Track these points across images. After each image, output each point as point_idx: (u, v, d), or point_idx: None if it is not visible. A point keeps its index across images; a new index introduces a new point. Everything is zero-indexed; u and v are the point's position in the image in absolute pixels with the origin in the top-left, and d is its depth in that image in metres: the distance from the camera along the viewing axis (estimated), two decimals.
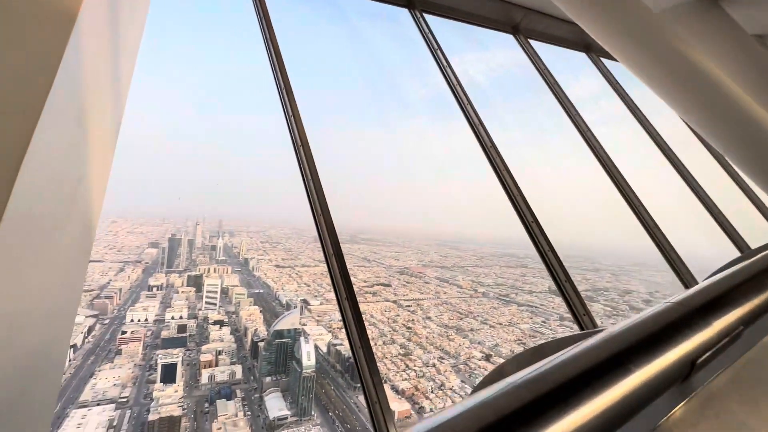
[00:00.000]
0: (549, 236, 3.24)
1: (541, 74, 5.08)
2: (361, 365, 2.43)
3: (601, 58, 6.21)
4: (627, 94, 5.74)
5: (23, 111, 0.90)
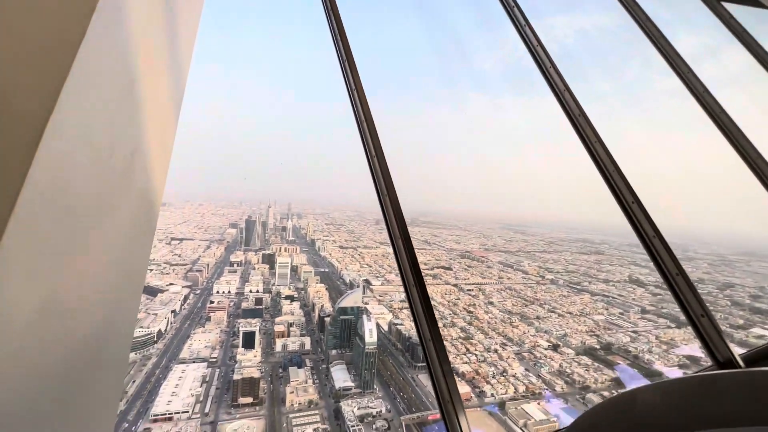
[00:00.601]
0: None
1: (641, 26, 4.32)
2: (431, 359, 2.28)
3: (722, 2, 5.14)
4: (760, 46, 4.62)
5: (52, 62, 0.76)
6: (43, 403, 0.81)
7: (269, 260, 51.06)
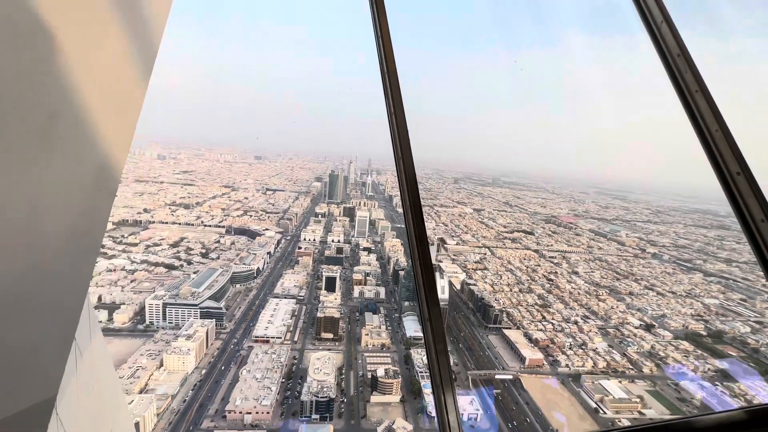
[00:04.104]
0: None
1: None
2: (427, 337, 2.11)
3: None
4: None
5: None
6: None
7: (350, 213, 52.40)
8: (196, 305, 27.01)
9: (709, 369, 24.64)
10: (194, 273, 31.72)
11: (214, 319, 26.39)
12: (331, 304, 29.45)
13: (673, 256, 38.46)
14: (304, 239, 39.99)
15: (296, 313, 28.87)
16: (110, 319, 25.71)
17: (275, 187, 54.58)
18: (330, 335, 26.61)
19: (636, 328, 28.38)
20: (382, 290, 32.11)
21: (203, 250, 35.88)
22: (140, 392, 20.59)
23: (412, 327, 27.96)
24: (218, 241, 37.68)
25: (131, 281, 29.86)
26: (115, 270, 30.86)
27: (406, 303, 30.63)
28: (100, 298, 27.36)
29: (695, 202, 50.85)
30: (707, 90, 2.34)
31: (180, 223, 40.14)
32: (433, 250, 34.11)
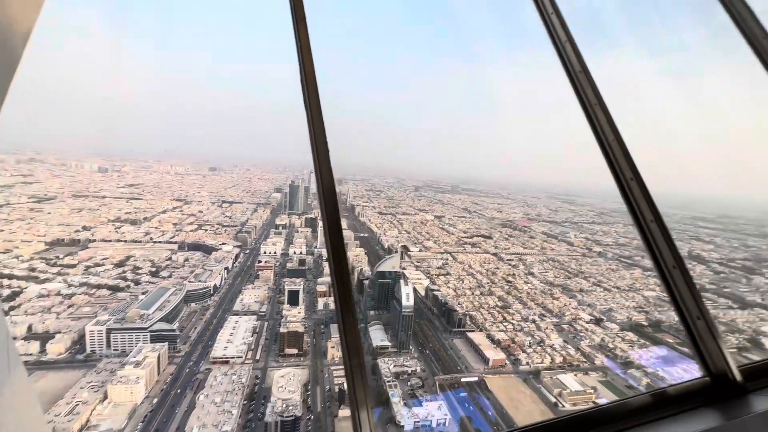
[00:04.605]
0: (652, 196, 2.39)
1: None
2: (343, 352, 2.01)
3: None
4: None
5: None
6: None
7: (312, 224, 52.16)
8: (145, 329, 24.93)
9: (651, 356, 26.90)
10: (143, 294, 29.31)
11: (166, 343, 24.48)
12: (294, 318, 28.59)
13: (616, 254, 41.86)
14: (264, 252, 38.64)
15: (257, 330, 27.65)
16: (43, 351, 23.03)
17: (232, 200, 52.40)
18: (294, 350, 25.78)
19: (587, 323, 30.36)
20: None
21: (153, 269, 33.29)
22: (80, 430, 18.58)
23: (378, 336, 27.84)
24: (170, 258, 35.23)
25: (68, 306, 26.97)
26: (48, 295, 27.76)
27: (372, 312, 30.51)
28: (30, 328, 24.48)
29: (613, 203, 56.02)
30: (604, 104, 2.64)
31: (126, 241, 37.06)
32: (397, 257, 34.39)
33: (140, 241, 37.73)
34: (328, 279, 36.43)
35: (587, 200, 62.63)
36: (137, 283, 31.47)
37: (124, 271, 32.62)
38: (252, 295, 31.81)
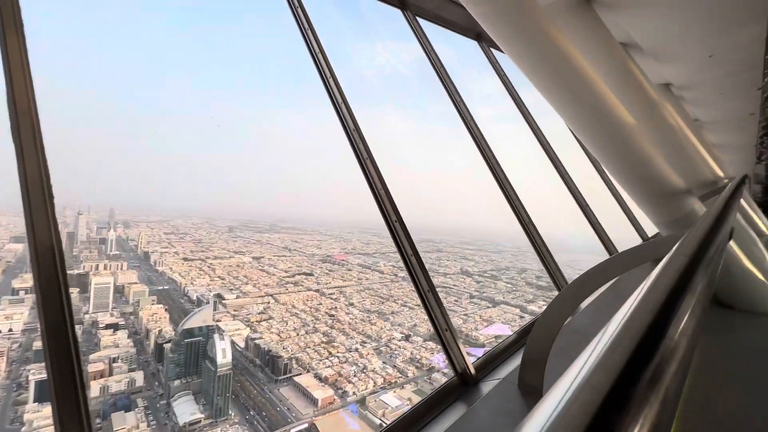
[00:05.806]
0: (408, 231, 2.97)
1: (428, 56, 4.79)
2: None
3: (492, 49, 6.12)
4: (515, 90, 5.90)
5: None
6: None
7: (80, 282, 39.66)
8: None
9: (445, 358, 32.71)
10: None
11: None
12: (47, 420, 19.86)
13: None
14: None
15: None
16: None
17: None
18: None
19: (399, 341, 34.35)
20: (139, 375, 24.68)
21: None
22: None
23: (187, 410, 22.65)
24: None
25: None
26: None
27: (177, 382, 24.80)
28: None
29: (421, 233, 69.11)
30: (374, 158, 3.06)
31: None
32: (208, 309, 29.78)
33: None
34: (106, 353, 27.55)
35: (389, 234, 73.31)
36: None
37: None
38: None
